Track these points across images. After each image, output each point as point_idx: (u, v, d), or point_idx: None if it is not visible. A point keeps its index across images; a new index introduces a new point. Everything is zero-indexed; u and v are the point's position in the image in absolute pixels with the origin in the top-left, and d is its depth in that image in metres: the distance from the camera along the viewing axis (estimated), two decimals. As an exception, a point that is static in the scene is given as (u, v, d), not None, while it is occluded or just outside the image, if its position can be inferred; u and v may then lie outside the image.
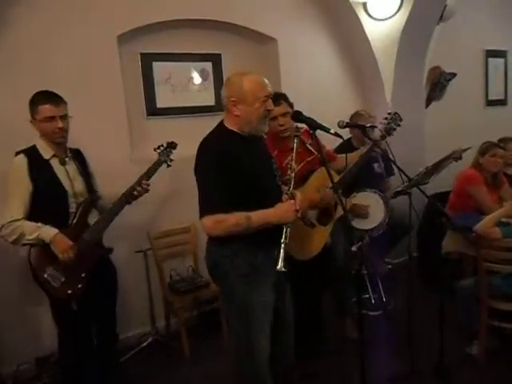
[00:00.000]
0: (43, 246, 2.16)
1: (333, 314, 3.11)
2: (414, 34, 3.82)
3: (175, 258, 3.29)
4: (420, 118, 4.22)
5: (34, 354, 2.76)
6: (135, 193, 2.44)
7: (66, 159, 2.33)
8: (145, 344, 3.08)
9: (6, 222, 2.13)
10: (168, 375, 2.79)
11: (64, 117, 2.25)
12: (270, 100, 1.87)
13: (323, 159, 1.98)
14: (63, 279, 2.20)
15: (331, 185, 2.49)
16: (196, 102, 3.48)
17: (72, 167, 2.34)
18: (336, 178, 2.56)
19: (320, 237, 2.58)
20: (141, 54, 3.24)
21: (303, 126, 2.39)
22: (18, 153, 2.23)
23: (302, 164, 2.58)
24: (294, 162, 1.94)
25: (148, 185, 2.49)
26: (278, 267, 1.73)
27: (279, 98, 2.52)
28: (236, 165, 1.77)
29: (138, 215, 3.06)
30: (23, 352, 2.75)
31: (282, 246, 1.75)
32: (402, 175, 2.33)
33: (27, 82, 2.69)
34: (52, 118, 2.20)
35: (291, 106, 2.60)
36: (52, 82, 2.73)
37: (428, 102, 4.50)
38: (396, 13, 3.75)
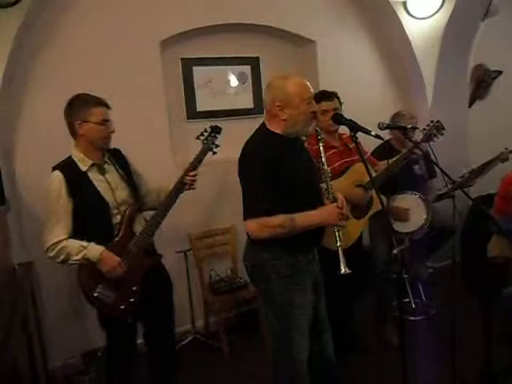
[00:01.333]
0: (91, 265, 2.06)
1: (373, 318, 3.07)
2: (457, 32, 3.72)
3: (215, 259, 3.35)
4: (463, 118, 4.10)
5: (80, 349, 2.86)
6: (185, 187, 2.29)
7: (106, 166, 2.17)
8: (185, 342, 3.14)
9: (50, 244, 2.02)
10: (207, 373, 2.85)
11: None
12: (313, 101, 1.89)
13: (363, 160, 1.94)
14: (114, 296, 2.09)
15: (365, 181, 2.55)
16: (235, 105, 3.53)
17: (113, 174, 2.18)
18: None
19: (354, 229, 2.58)
20: (181, 58, 3.32)
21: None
22: (54, 168, 2.08)
23: (340, 162, 2.62)
24: (325, 165, 1.94)
25: (195, 175, 2.31)
26: (342, 271, 1.79)
27: (331, 94, 2.66)
28: (281, 167, 1.79)
29: (179, 216, 3.12)
30: (71, 347, 2.87)
31: (340, 249, 1.79)
32: (445, 177, 2.28)
33: (73, 86, 2.79)
34: (107, 121, 2.10)
35: (341, 104, 2.73)
36: (98, 85, 2.82)
37: (472, 100, 4.36)
38: (438, 11, 3.66)
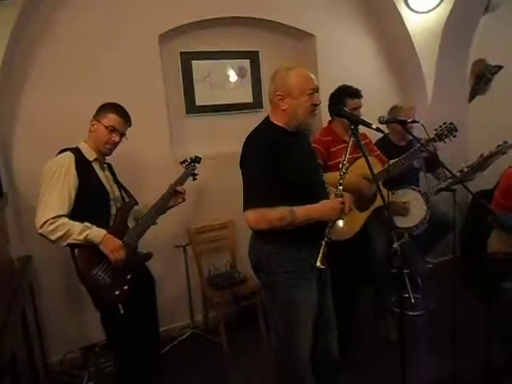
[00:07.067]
0: (89, 247, 2.08)
1: (372, 313, 3.07)
2: (458, 26, 3.70)
3: (213, 254, 3.34)
4: (463, 113, 4.08)
5: (79, 344, 2.87)
6: (171, 203, 2.47)
7: (105, 165, 2.33)
8: (184, 336, 3.14)
9: (49, 218, 1.99)
10: (206, 368, 2.84)
11: (123, 135, 2.27)
12: (317, 94, 1.86)
13: (363, 153, 1.92)
14: (109, 280, 2.12)
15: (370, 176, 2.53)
16: (234, 99, 3.51)
17: (108, 174, 2.33)
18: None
19: (356, 220, 2.60)
20: (181, 52, 3.30)
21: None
22: (61, 151, 2.18)
23: (349, 157, 2.60)
24: (346, 162, 1.90)
25: (184, 192, 2.51)
26: (317, 264, 1.74)
27: (360, 92, 2.78)
28: (283, 160, 1.77)
29: (178, 211, 3.11)
30: (69, 341, 2.87)
31: (323, 244, 1.75)
32: (446, 172, 2.27)
33: (71, 81, 2.80)
34: (113, 130, 2.21)
35: None
36: (96, 80, 2.84)
37: (471, 96, 4.34)
38: (438, 5, 3.64)
